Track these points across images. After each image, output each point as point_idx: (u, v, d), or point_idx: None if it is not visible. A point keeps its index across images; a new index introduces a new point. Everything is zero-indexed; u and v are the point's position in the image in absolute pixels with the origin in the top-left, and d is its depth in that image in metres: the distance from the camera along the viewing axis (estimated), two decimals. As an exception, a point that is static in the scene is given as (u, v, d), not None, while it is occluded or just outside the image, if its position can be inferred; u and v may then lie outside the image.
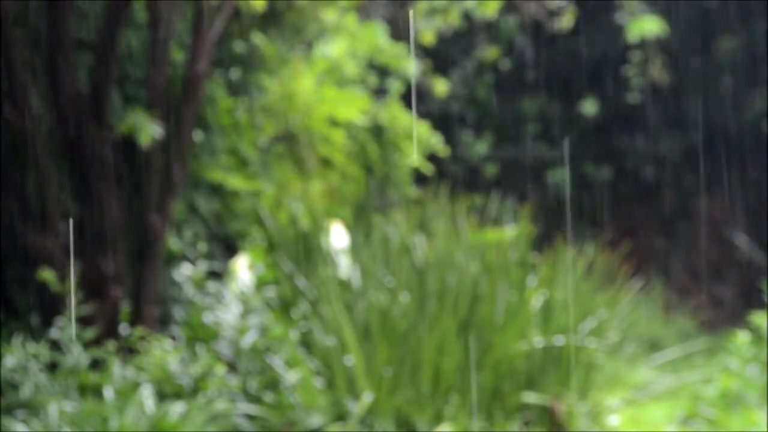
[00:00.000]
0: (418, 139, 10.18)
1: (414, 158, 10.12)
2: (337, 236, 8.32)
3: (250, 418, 6.78)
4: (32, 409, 6.00)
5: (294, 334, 7.19)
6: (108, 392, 6.16)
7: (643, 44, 11.65)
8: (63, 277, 6.59)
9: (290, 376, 6.91)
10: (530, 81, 15.12)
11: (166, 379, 6.49)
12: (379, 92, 10.70)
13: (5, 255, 7.06)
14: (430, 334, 7.64)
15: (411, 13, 10.31)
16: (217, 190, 8.51)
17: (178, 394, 6.45)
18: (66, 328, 6.33)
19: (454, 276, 7.96)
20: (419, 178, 10.33)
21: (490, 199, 9.40)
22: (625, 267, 8.74)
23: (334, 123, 9.53)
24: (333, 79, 9.68)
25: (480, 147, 14.70)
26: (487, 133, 14.89)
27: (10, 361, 6.16)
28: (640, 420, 8.34)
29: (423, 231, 8.62)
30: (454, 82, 14.26)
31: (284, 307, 7.70)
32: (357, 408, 7.20)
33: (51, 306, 6.67)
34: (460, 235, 8.52)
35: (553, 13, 11.11)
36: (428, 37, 10.25)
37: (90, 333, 6.40)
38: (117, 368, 6.35)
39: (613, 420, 8.06)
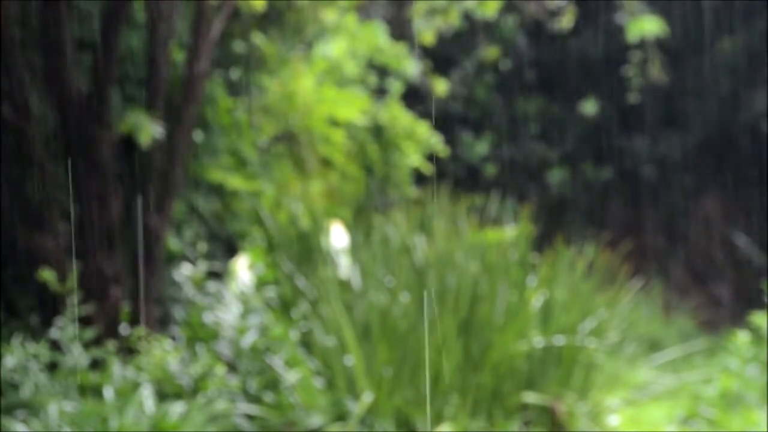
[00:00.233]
0: (417, 139, 10.19)
1: (414, 158, 10.13)
2: (337, 236, 8.32)
3: (250, 418, 6.79)
4: (32, 409, 6.00)
5: (294, 334, 7.19)
6: (108, 392, 6.16)
7: (643, 44, 11.64)
8: (63, 277, 6.59)
9: (290, 376, 6.91)
10: (530, 81, 15.12)
11: (166, 379, 6.49)
12: (379, 92, 10.70)
13: (5, 255, 7.06)
14: (430, 334, 7.63)
15: (411, 13, 10.31)
16: (217, 190, 8.51)
17: (178, 394, 6.45)
18: (66, 328, 6.33)
19: (454, 276, 7.96)
20: (419, 178, 10.34)
21: (490, 199, 9.40)
22: (625, 267, 8.73)
23: (334, 123, 9.53)
24: (333, 79, 9.68)
25: (480, 147, 14.70)
26: (487, 133, 14.89)
27: (10, 361, 6.16)
28: (640, 420, 8.34)
29: (423, 231, 8.62)
30: (454, 82, 14.26)
31: (284, 307, 7.70)
32: (357, 408, 7.20)
33: (51, 306, 6.66)
34: (460, 235, 8.52)
35: (553, 13, 11.10)
36: (428, 37, 10.25)
37: (90, 333, 6.40)
38: (117, 368, 6.35)
39: (613, 420, 8.06)
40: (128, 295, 7.16)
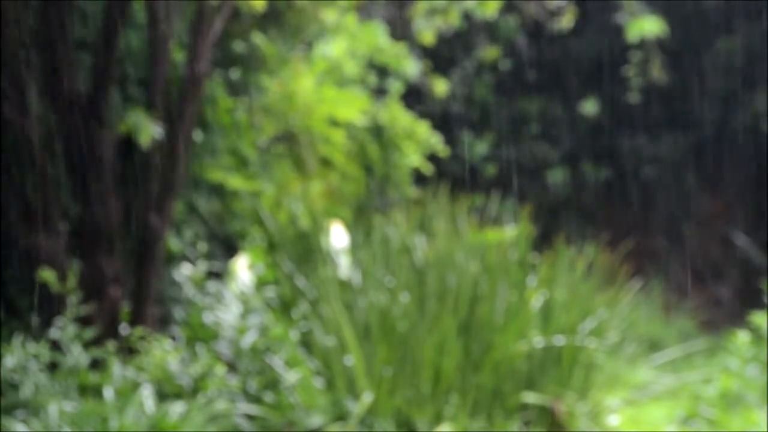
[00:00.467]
0: (417, 139, 10.19)
1: (414, 158, 10.13)
2: (337, 236, 8.32)
3: (250, 418, 6.78)
4: (32, 409, 6.00)
5: (294, 334, 7.19)
6: (108, 392, 6.16)
7: (643, 44, 11.64)
8: (63, 277, 6.58)
9: (290, 376, 6.91)
10: (530, 81, 15.12)
11: (166, 379, 6.49)
12: (379, 92, 10.70)
13: (5, 255, 7.06)
14: (430, 334, 7.64)
15: (411, 13, 10.32)
16: (217, 190, 8.51)
17: (178, 394, 6.45)
18: (66, 328, 6.33)
19: (454, 276, 7.96)
20: (419, 178, 10.34)
21: (490, 199, 9.39)
22: (625, 267, 8.73)
23: (334, 123, 9.53)
24: (333, 79, 9.68)
25: (480, 147, 14.70)
26: (487, 133, 14.89)
27: (10, 361, 6.15)
28: (640, 420, 8.34)
29: (423, 231, 8.62)
30: (454, 82, 14.26)
31: (284, 307, 7.70)
32: (357, 408, 7.20)
33: (51, 306, 6.66)
34: (460, 235, 8.52)
35: (553, 13, 11.11)
36: (428, 37, 10.25)
37: (90, 333, 6.39)
38: (117, 368, 6.35)
39: (613, 420, 8.06)
40: (128, 295, 7.16)
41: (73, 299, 6.41)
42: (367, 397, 7.28)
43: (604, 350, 8.26)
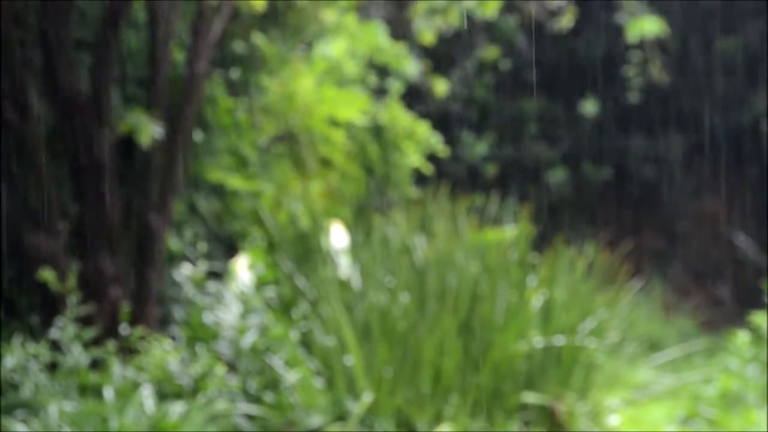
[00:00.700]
0: (417, 139, 10.18)
1: (414, 158, 10.13)
2: (337, 236, 8.32)
3: (250, 418, 6.78)
4: (32, 409, 6.00)
5: (294, 334, 7.19)
6: (108, 392, 6.16)
7: (643, 44, 11.64)
8: (63, 277, 6.58)
9: (290, 376, 6.91)
10: (530, 81, 15.12)
11: (166, 379, 6.49)
12: (379, 92, 10.70)
13: (5, 255, 7.06)
14: (430, 334, 7.63)
15: (411, 13, 10.31)
16: (217, 190, 8.51)
17: (178, 394, 6.45)
18: (66, 328, 6.33)
19: (454, 276, 7.95)
20: (419, 178, 10.33)
21: (490, 199, 9.39)
22: (625, 267, 8.73)
23: (334, 123, 9.53)
24: (333, 79, 9.68)
25: (480, 147, 14.70)
26: (487, 133, 14.89)
27: (10, 361, 6.16)
28: (640, 420, 8.34)
29: (423, 231, 8.61)
30: (454, 82, 14.26)
31: (284, 307, 7.70)
32: (357, 408, 7.20)
33: (51, 306, 6.67)
34: (460, 235, 8.52)
35: (553, 13, 11.10)
36: (428, 37, 10.25)
37: (90, 333, 6.39)
38: (117, 368, 6.35)
39: (613, 420, 8.06)
40: (128, 295, 7.16)
41: (73, 299, 6.41)
42: (367, 397, 7.28)
43: (604, 350, 8.25)
